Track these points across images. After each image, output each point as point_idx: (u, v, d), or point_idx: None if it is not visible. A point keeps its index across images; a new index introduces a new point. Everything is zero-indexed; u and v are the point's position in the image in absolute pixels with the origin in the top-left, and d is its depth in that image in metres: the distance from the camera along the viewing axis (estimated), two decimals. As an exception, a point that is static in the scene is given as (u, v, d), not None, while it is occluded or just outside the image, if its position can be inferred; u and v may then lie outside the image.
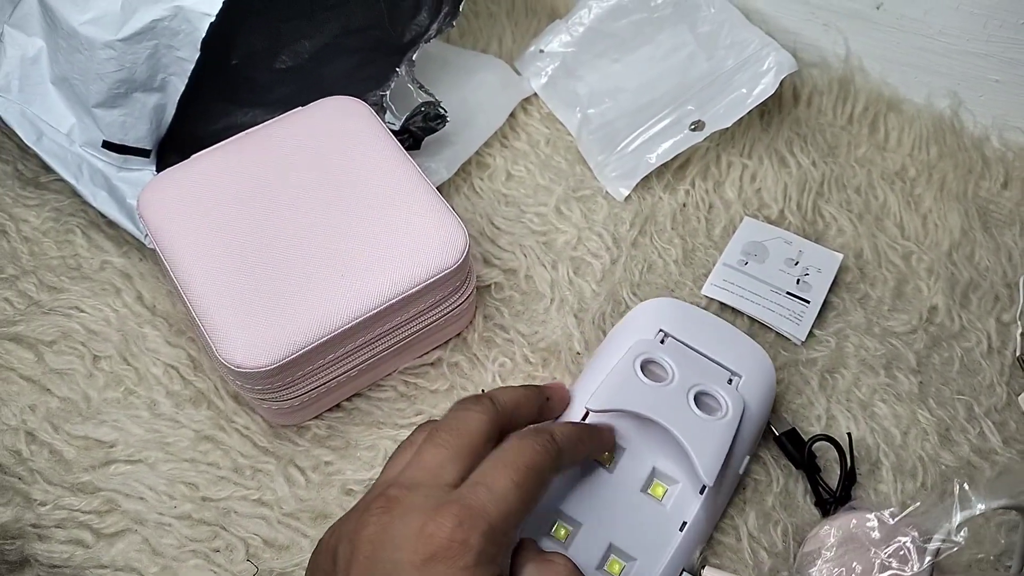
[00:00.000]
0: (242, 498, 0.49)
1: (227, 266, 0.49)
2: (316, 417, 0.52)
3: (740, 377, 0.47)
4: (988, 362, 0.55)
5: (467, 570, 0.33)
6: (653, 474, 0.44)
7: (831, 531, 0.44)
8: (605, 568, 0.42)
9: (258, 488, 0.49)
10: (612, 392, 0.43)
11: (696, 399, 0.44)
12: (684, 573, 0.43)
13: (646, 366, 0.45)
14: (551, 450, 0.38)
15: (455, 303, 0.52)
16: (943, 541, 0.41)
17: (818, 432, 0.50)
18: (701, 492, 0.43)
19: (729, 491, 0.47)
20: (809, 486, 0.50)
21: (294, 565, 0.47)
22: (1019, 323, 0.56)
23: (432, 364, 0.54)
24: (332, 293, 0.48)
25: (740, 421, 0.44)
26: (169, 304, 0.56)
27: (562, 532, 0.42)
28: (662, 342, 0.47)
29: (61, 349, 0.54)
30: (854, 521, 0.44)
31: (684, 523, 0.43)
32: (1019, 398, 0.53)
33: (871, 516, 0.43)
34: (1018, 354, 0.55)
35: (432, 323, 0.52)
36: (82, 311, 0.55)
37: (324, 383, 0.50)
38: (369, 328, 0.49)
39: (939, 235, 0.60)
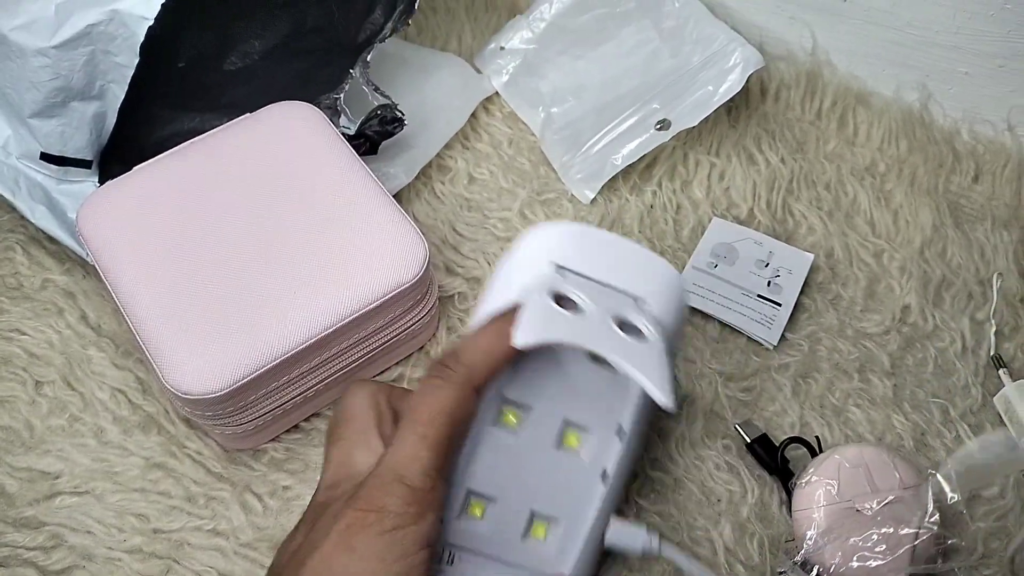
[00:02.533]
0: (196, 529, 0.47)
1: (173, 285, 0.46)
2: (273, 439, 0.50)
3: (645, 300, 0.41)
4: (963, 362, 0.54)
5: (387, 534, 0.32)
6: (564, 426, 0.39)
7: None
8: (531, 535, 0.39)
9: (212, 517, 0.47)
10: (538, 325, 0.36)
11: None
12: (612, 517, 0.40)
13: (558, 300, 0.39)
14: (455, 380, 0.35)
15: (416, 317, 0.50)
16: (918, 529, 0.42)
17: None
18: (618, 434, 0.39)
19: (646, 429, 0.42)
20: (784, 494, 0.48)
21: (252, 598, 0.45)
22: (993, 322, 0.55)
23: (394, 381, 0.52)
24: (285, 312, 0.45)
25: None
26: (115, 323, 0.53)
27: (477, 511, 0.38)
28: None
29: (1, 375, 0.51)
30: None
31: (604, 471, 0.39)
32: (994, 399, 0.52)
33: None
34: (992, 353, 0.54)
35: (392, 339, 0.49)
36: (23, 333, 0.53)
37: (280, 405, 0.47)
38: (325, 347, 0.46)
39: (910, 232, 0.59)
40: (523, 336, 0.35)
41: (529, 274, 0.39)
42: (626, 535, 0.40)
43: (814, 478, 0.45)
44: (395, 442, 0.34)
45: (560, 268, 0.40)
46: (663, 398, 0.35)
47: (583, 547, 0.39)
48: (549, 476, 0.39)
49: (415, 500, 0.33)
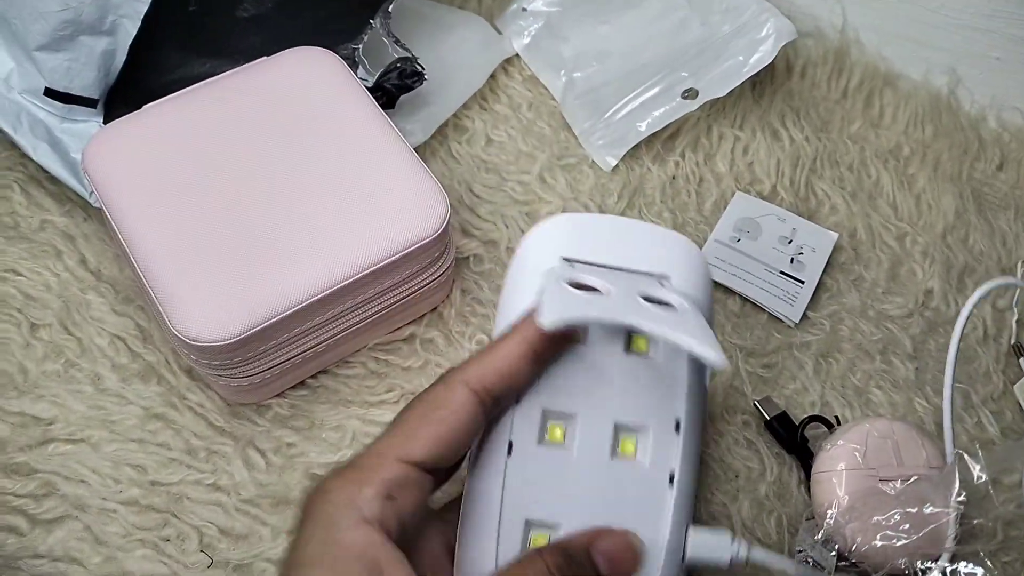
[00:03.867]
0: (195, 483, 0.45)
1: (181, 229, 0.44)
2: (278, 395, 0.48)
3: (669, 278, 0.38)
4: (984, 349, 0.53)
5: (326, 506, 0.30)
6: (616, 432, 0.35)
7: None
8: None
9: (213, 472, 0.45)
10: (562, 305, 0.32)
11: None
12: (690, 528, 0.35)
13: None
14: (447, 380, 0.32)
15: (432, 276, 0.48)
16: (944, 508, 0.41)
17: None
18: (676, 429, 0.35)
19: (705, 410, 0.39)
20: (803, 473, 0.47)
21: (253, 556, 0.43)
22: (1015, 310, 0.54)
23: (405, 340, 0.50)
24: (299, 262, 0.44)
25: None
26: (116, 269, 0.51)
27: (541, 540, 0.34)
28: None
29: (-6, 316, 0.49)
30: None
31: (671, 474, 0.35)
32: (1015, 388, 0.51)
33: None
34: (1013, 342, 0.53)
35: (407, 296, 0.48)
36: (19, 274, 0.50)
37: (288, 359, 0.46)
38: (339, 301, 0.45)
39: (933, 217, 0.58)
40: (548, 316, 0.31)
41: (539, 275, 0.36)
42: (710, 545, 0.35)
43: (840, 442, 0.44)
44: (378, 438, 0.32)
45: (571, 261, 0.37)
46: (714, 355, 0.31)
47: (664, 565, 0.34)
48: (611, 490, 0.35)
49: (352, 478, 0.30)
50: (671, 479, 0.35)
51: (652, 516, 0.34)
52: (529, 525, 0.34)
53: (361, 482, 0.30)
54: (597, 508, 0.34)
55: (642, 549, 0.33)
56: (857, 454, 0.44)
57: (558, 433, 0.35)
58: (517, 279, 0.37)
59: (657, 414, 0.35)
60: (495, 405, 0.33)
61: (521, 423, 0.34)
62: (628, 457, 0.35)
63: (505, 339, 0.33)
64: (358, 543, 0.29)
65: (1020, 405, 0.51)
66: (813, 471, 0.45)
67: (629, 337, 0.36)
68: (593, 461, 0.35)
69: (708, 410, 0.49)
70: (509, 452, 0.34)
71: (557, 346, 0.34)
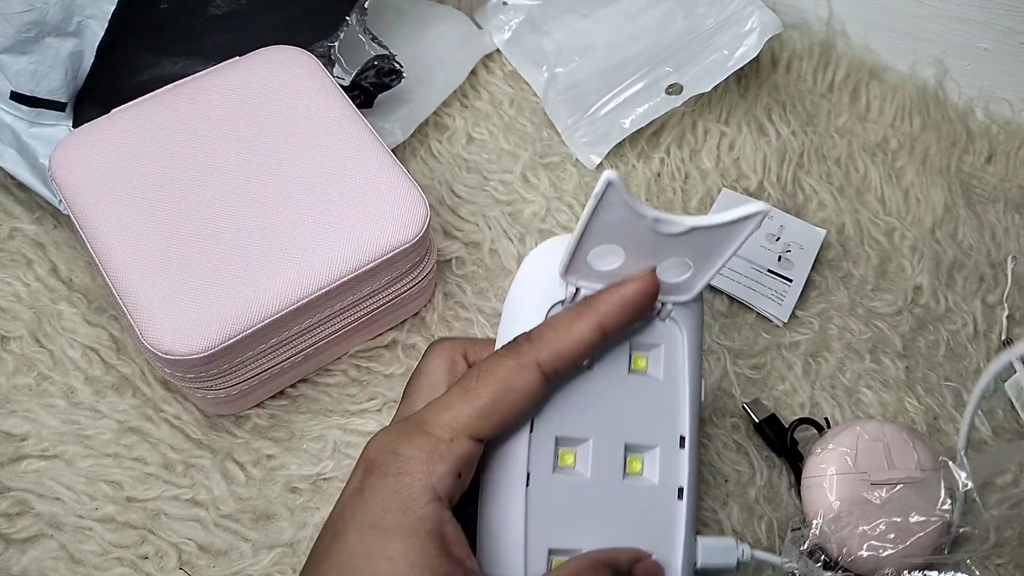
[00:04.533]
0: (173, 498, 0.44)
1: (153, 237, 0.43)
2: (257, 405, 0.47)
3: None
4: (974, 346, 0.52)
5: (392, 479, 0.30)
6: (625, 451, 0.36)
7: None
8: None
9: (191, 486, 0.44)
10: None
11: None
12: (699, 536, 0.37)
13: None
14: (521, 354, 0.32)
15: (413, 281, 0.47)
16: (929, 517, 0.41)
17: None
18: (681, 445, 0.37)
19: (699, 418, 0.39)
20: (793, 477, 0.46)
21: (233, 572, 0.42)
22: (1005, 305, 0.54)
23: (386, 346, 0.49)
24: (274, 270, 0.42)
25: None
26: (88, 277, 0.50)
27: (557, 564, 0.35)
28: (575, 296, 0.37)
29: (-37, 328, 0.48)
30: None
31: (680, 489, 0.36)
32: (1005, 385, 0.51)
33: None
34: (1004, 338, 0.53)
35: (387, 303, 0.47)
36: (-13, 285, 0.49)
37: (266, 369, 0.44)
38: (316, 309, 0.44)
39: (921, 211, 0.57)
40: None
41: (542, 295, 0.35)
42: (719, 551, 0.37)
43: (830, 445, 0.43)
44: (441, 395, 0.32)
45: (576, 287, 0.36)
46: (760, 206, 0.32)
47: (682, 573, 0.36)
48: (625, 510, 0.36)
49: (428, 449, 0.30)
50: (680, 494, 0.36)
51: (666, 531, 0.36)
52: (551, 553, 0.34)
53: (437, 456, 0.30)
54: (614, 529, 0.35)
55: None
56: (848, 458, 0.43)
57: (569, 459, 0.35)
58: (522, 303, 0.36)
59: (663, 432, 0.37)
60: (557, 379, 0.33)
61: (537, 452, 0.34)
62: (637, 476, 0.36)
63: (580, 317, 0.33)
64: (431, 519, 0.30)
65: (1011, 402, 0.51)
66: (803, 476, 0.44)
67: (630, 358, 0.37)
68: (606, 483, 0.35)
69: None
70: (527, 482, 0.34)
71: (622, 327, 0.34)
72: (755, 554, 0.38)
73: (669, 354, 0.37)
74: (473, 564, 0.31)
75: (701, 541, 0.37)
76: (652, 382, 0.37)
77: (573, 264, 0.34)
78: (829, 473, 0.43)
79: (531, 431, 0.34)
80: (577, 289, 0.35)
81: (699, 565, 0.37)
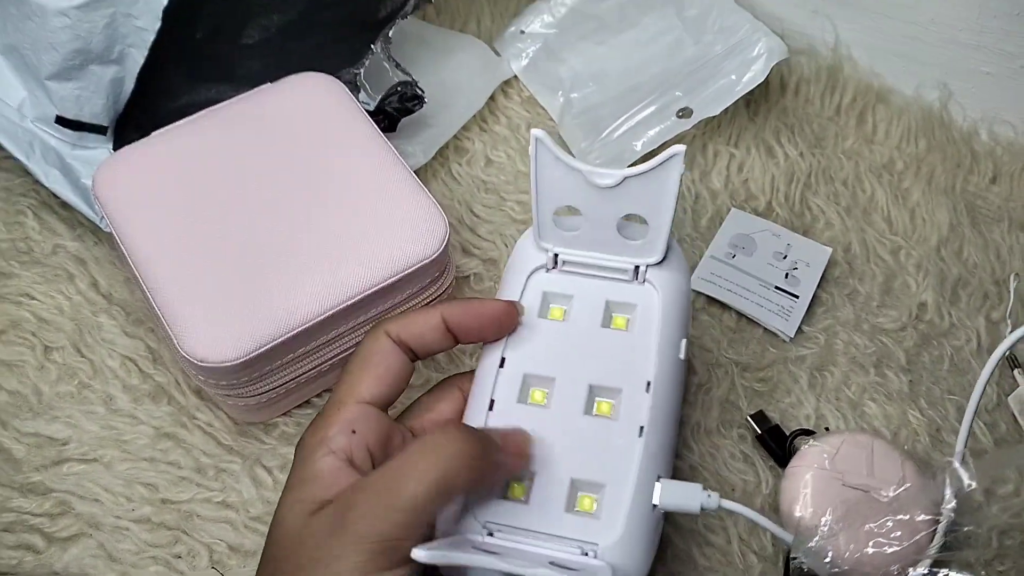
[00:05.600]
0: (205, 500, 0.46)
1: (189, 252, 0.45)
2: (284, 414, 0.49)
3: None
4: (978, 361, 0.54)
5: (305, 447, 0.37)
6: (592, 393, 0.39)
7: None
8: (576, 509, 0.38)
9: (222, 489, 0.47)
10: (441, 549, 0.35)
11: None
12: (661, 479, 0.38)
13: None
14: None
15: (433, 295, 0.49)
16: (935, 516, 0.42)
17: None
18: (647, 390, 0.39)
19: (680, 379, 0.41)
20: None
21: (261, 571, 0.45)
22: (1008, 322, 0.55)
23: (408, 358, 0.51)
24: (301, 283, 0.45)
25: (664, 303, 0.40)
26: (127, 292, 0.52)
27: (518, 490, 0.38)
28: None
29: (10, 339, 0.50)
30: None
31: (641, 427, 0.38)
32: (1008, 399, 0.52)
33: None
34: (1007, 354, 0.54)
35: (409, 316, 0.49)
36: (33, 298, 0.52)
37: (293, 378, 0.47)
38: (342, 321, 0.46)
39: (927, 230, 0.59)
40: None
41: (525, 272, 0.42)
42: (681, 493, 0.37)
43: (814, 443, 0.46)
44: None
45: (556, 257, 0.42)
46: (678, 148, 0.37)
47: (630, 509, 0.37)
48: (585, 443, 0.38)
49: (323, 423, 0.38)
50: (640, 431, 0.38)
51: (622, 464, 0.38)
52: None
53: (327, 425, 0.37)
54: (571, 458, 0.38)
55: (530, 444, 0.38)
56: (825, 456, 0.45)
57: (538, 396, 0.40)
58: (508, 274, 0.43)
59: (629, 377, 0.39)
60: (415, 354, 0.40)
61: (503, 384, 0.39)
62: (603, 415, 0.39)
63: (428, 309, 0.40)
64: (325, 469, 0.36)
65: (1015, 416, 0.52)
66: (786, 469, 0.46)
67: (608, 316, 0.41)
68: (568, 418, 0.39)
69: (700, 421, 0.50)
70: (491, 408, 0.39)
71: (469, 336, 0.40)
72: (723, 503, 0.38)
73: (644, 313, 0.41)
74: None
75: (663, 481, 0.37)
76: (624, 335, 0.40)
77: (542, 229, 0.41)
78: (804, 465, 0.45)
79: (501, 367, 0.40)
80: (556, 255, 0.41)
81: (658, 504, 0.37)
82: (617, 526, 0.36)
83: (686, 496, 0.37)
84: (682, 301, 0.42)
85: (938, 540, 0.42)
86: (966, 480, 0.42)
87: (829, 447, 0.45)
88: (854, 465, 0.45)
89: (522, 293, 0.42)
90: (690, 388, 0.51)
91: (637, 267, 0.41)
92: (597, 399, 0.39)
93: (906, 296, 0.56)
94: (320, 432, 0.37)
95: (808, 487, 0.45)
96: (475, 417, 0.39)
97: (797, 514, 0.44)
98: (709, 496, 0.37)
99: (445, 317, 0.39)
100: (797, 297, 0.54)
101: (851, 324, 0.54)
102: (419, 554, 0.32)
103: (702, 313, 0.54)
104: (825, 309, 0.55)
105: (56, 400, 0.49)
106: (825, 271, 0.56)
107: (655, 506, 0.37)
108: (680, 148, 0.37)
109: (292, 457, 0.47)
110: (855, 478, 0.44)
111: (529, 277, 0.42)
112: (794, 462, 0.46)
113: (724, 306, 0.54)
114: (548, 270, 0.42)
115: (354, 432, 0.37)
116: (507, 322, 0.40)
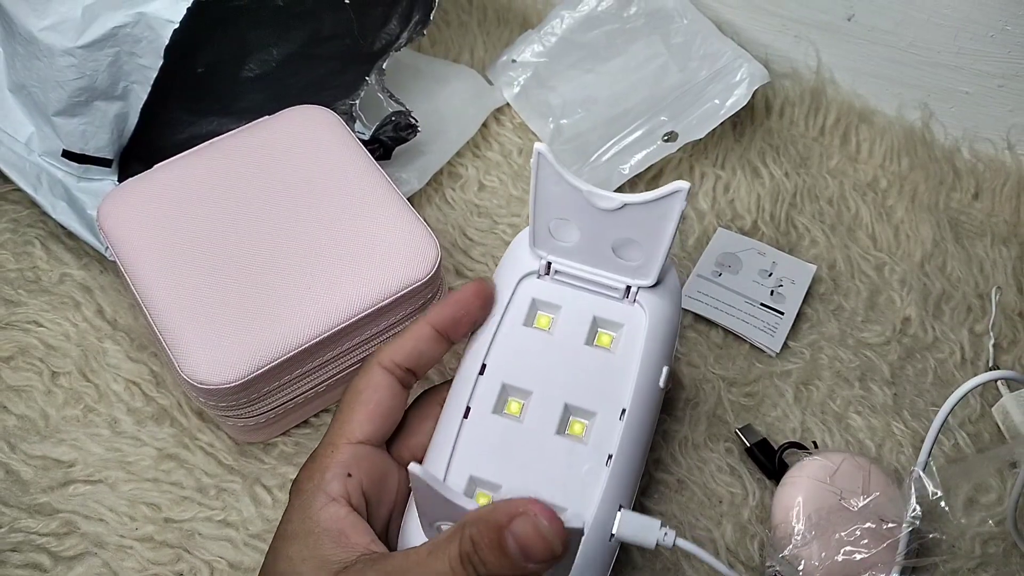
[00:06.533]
0: (206, 519, 0.48)
1: (190, 279, 0.47)
2: (283, 434, 0.51)
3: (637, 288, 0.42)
4: (961, 373, 0.55)
5: (302, 493, 0.38)
6: (567, 412, 0.39)
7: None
8: None
9: (223, 508, 0.48)
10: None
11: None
12: (622, 509, 0.37)
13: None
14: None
15: (426, 316, 0.51)
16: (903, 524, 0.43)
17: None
18: (621, 418, 0.39)
19: (656, 407, 0.41)
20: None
21: (260, 588, 0.46)
22: (991, 334, 0.56)
23: (403, 378, 0.53)
24: (299, 306, 0.46)
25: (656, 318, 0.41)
26: (131, 318, 0.54)
27: (483, 499, 0.38)
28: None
29: (18, 365, 0.52)
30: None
31: (610, 456, 0.38)
32: (992, 409, 0.53)
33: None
34: (990, 365, 0.55)
35: (403, 337, 0.50)
36: (40, 325, 0.54)
37: (291, 399, 0.48)
38: (337, 342, 0.47)
39: (911, 246, 0.60)
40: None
41: (515, 273, 0.42)
42: (638, 527, 0.37)
43: (817, 457, 0.47)
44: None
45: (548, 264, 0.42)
46: (681, 184, 0.36)
47: (588, 535, 0.36)
48: (553, 463, 0.38)
49: (318, 465, 0.38)
50: (608, 459, 0.38)
51: (587, 490, 0.37)
52: (474, 482, 0.38)
53: (323, 469, 0.38)
54: (537, 477, 0.38)
55: (552, 536, 0.31)
56: (826, 471, 0.46)
57: (515, 407, 0.40)
58: (500, 272, 0.43)
59: (606, 401, 0.39)
60: (411, 376, 0.40)
61: (481, 392, 0.39)
62: (575, 437, 0.39)
63: (413, 324, 0.40)
64: (326, 518, 0.36)
65: (998, 427, 0.53)
66: (783, 478, 0.47)
67: (593, 332, 0.41)
68: (540, 434, 0.39)
69: (688, 436, 0.51)
70: (466, 415, 0.39)
71: (460, 328, 0.41)
72: (679, 542, 0.37)
73: (629, 334, 0.41)
74: (378, 546, 0.36)
75: (623, 512, 0.37)
76: (607, 356, 0.40)
77: (537, 237, 0.40)
78: (802, 476, 0.46)
79: (481, 373, 0.40)
80: (549, 263, 0.41)
81: (615, 534, 0.37)
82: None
83: (644, 529, 0.37)
84: (669, 327, 0.42)
85: (902, 548, 0.43)
86: (931, 488, 0.43)
87: (832, 464, 0.46)
88: (852, 484, 0.46)
89: (512, 294, 0.42)
90: (678, 403, 0.52)
91: (629, 287, 0.41)
92: (572, 418, 0.39)
93: (890, 311, 0.57)
94: (316, 476, 0.38)
95: (803, 495, 0.45)
96: (449, 425, 0.39)
97: (793, 523, 0.45)
98: (666, 534, 0.37)
99: (431, 323, 0.40)
100: (782, 313, 0.56)
101: (836, 339, 0.56)
102: None
103: (689, 330, 0.55)
104: (810, 325, 0.56)
105: (63, 424, 0.50)
106: (810, 288, 0.57)
107: (612, 536, 0.37)
108: (684, 184, 0.36)
109: (290, 476, 0.49)
110: (853, 497, 0.45)
111: (521, 280, 0.42)
112: (792, 472, 0.47)
113: (711, 323, 0.56)
114: (540, 276, 0.42)
115: (349, 475, 0.37)
116: (486, 291, 0.41)
